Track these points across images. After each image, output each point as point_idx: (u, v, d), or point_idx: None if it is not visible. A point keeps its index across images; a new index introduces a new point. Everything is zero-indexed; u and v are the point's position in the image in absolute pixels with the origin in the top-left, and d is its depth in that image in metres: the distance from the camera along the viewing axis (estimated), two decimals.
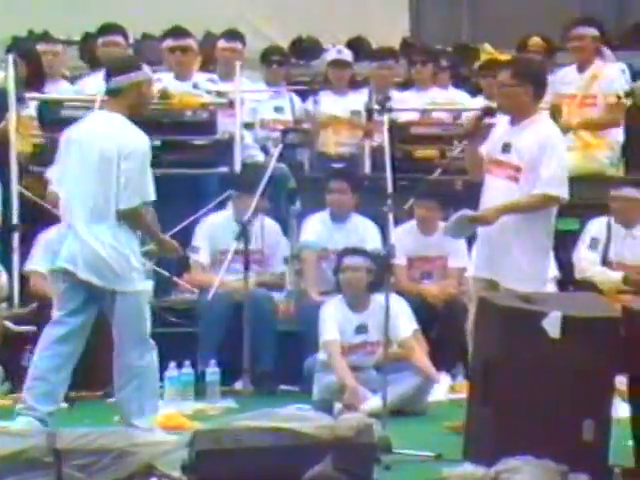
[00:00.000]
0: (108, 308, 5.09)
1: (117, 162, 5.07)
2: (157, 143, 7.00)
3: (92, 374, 5.93)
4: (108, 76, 5.28)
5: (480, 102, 7.78)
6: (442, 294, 6.87)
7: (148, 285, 5.17)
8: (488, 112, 5.43)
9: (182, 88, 7.21)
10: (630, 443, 4.66)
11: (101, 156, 5.10)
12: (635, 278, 6.66)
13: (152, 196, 5.15)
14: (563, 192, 5.35)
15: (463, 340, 6.57)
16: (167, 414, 5.66)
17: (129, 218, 5.08)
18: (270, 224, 6.77)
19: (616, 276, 6.73)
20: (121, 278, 5.07)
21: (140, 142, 5.18)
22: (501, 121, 5.46)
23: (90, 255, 5.05)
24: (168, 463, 4.35)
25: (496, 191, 5.36)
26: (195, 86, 7.22)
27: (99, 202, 5.06)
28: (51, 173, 5.73)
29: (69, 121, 7.09)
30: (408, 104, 7.69)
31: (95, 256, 5.05)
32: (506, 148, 5.35)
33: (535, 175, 5.30)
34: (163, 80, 7.32)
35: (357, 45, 8.63)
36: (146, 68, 5.33)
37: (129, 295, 5.07)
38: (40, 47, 7.37)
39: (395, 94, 7.70)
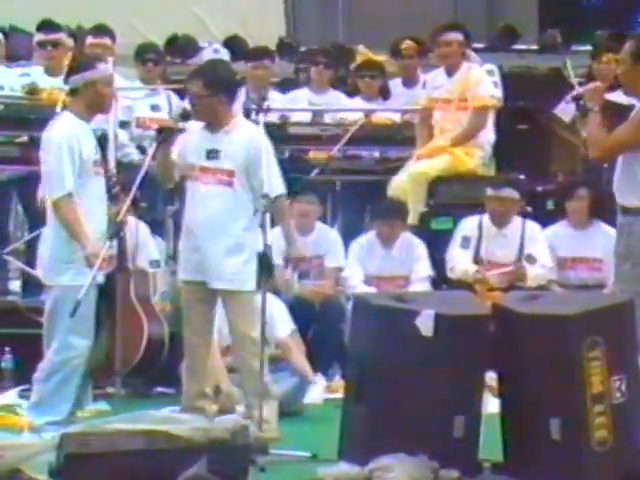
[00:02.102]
0: None
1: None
2: (24, 139, 6.87)
3: None
4: (67, 76, 5.39)
5: (358, 103, 7.86)
6: (318, 294, 6.89)
7: (78, 280, 5.15)
8: (186, 116, 5.44)
9: (52, 83, 7.07)
10: (499, 438, 4.72)
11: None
12: (477, 276, 6.76)
13: (67, 188, 5.19)
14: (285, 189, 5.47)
15: (340, 340, 6.63)
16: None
17: (53, 210, 5.18)
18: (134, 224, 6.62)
19: (472, 269, 6.84)
20: (46, 270, 5.21)
21: (55, 133, 5.27)
22: (193, 127, 5.44)
23: None
24: (35, 467, 4.25)
25: (211, 198, 5.35)
26: (67, 82, 7.07)
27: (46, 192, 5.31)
28: None
29: None
30: (301, 104, 7.69)
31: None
32: (213, 154, 5.35)
33: (249, 177, 5.33)
34: (32, 75, 7.19)
35: (233, 44, 8.59)
36: (102, 66, 5.38)
37: (53, 288, 5.20)
38: None
39: (275, 94, 7.68)
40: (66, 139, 5.24)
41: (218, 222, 5.30)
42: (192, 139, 5.41)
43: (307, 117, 7.69)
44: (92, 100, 5.29)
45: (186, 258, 5.43)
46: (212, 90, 5.34)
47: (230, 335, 5.47)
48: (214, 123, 5.38)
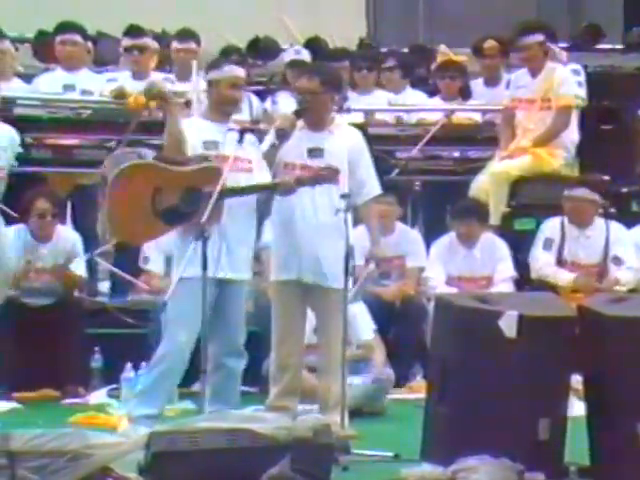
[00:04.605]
0: None
1: None
2: (112, 143, 6.99)
3: (48, 375, 5.91)
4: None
5: (438, 102, 7.85)
6: (399, 294, 6.89)
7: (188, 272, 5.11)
8: (300, 114, 5.40)
9: (139, 87, 7.18)
10: (585, 441, 4.69)
11: None
12: (582, 281, 6.72)
13: None
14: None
15: (421, 340, 6.62)
16: (123, 416, 5.65)
17: None
18: None
19: (567, 277, 6.79)
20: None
21: None
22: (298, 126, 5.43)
23: None
24: (124, 465, 4.32)
25: (317, 196, 5.34)
26: None
27: None
28: None
29: (22, 119, 7.08)
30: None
31: None
32: (316, 153, 5.37)
33: (349, 177, 5.37)
34: (119, 79, 7.31)
35: (314, 45, 8.63)
36: (227, 67, 5.37)
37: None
38: None
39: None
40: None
41: (325, 220, 5.33)
42: (292, 138, 5.39)
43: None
44: (216, 99, 5.30)
45: (285, 257, 5.42)
46: (327, 88, 5.39)
47: (319, 334, 5.48)
48: (320, 121, 5.41)
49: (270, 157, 5.40)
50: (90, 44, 7.65)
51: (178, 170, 5.21)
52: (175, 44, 7.58)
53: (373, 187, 5.47)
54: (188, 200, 5.19)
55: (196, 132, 5.31)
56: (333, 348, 5.32)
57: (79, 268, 6.64)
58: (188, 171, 5.20)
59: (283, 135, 5.35)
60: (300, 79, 5.50)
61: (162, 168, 5.23)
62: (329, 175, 5.28)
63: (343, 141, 5.42)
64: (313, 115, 5.39)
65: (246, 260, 5.35)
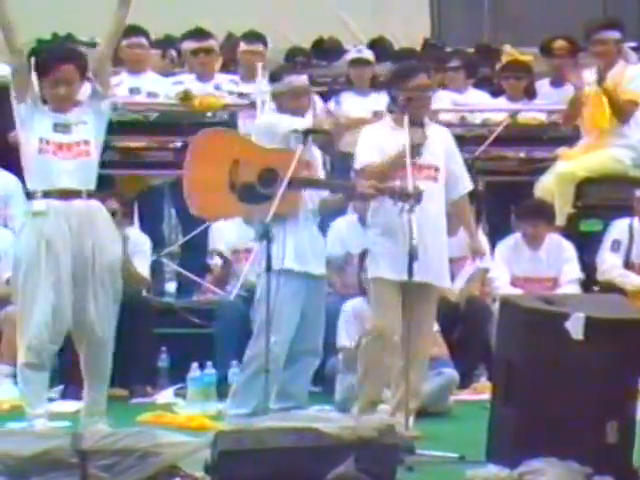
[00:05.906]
0: None
1: None
2: (178, 145, 7.06)
3: (117, 375, 5.97)
4: None
5: (503, 103, 7.81)
6: (464, 295, 6.87)
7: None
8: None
9: (204, 89, 7.23)
10: None
11: None
12: None
13: None
14: None
15: (486, 341, 6.59)
16: (190, 415, 5.70)
17: None
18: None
19: (636, 280, 6.70)
20: None
21: None
22: (381, 125, 5.43)
23: None
24: (191, 463, 4.37)
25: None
26: (217, 88, 7.25)
27: None
28: None
29: None
30: None
31: None
32: (415, 150, 5.33)
33: (445, 173, 5.39)
34: (185, 82, 7.38)
35: (378, 46, 8.63)
36: (287, 79, 5.33)
37: None
38: None
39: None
40: None
41: (433, 218, 5.33)
42: (382, 136, 5.40)
43: None
44: (281, 111, 5.34)
45: (392, 256, 5.35)
46: (433, 85, 5.47)
47: (415, 333, 5.37)
48: (423, 117, 5.42)
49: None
50: (174, 53, 7.73)
51: (259, 146, 5.18)
52: (243, 45, 7.62)
53: (467, 182, 5.52)
54: (266, 180, 5.12)
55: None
56: (427, 346, 5.29)
57: (143, 268, 6.73)
58: (268, 149, 5.18)
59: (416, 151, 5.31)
60: (418, 76, 5.40)
61: (243, 140, 5.25)
62: (412, 196, 5.15)
63: (438, 138, 5.45)
64: (424, 111, 5.39)
65: (323, 256, 5.40)
